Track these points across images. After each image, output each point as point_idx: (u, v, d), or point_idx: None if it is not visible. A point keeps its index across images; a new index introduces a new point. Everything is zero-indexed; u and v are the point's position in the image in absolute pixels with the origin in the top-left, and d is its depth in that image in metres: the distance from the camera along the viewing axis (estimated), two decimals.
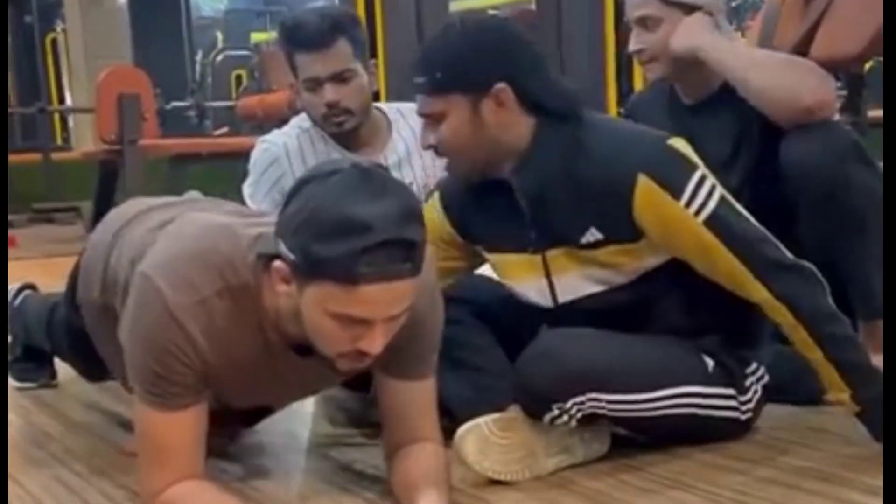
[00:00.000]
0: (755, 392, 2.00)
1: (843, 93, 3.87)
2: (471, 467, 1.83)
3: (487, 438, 1.83)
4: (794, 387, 2.10)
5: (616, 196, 1.82)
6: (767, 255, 1.84)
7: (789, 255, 1.86)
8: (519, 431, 1.85)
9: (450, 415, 1.92)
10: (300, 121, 2.49)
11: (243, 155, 2.69)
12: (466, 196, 2.01)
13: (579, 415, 1.85)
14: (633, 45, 2.29)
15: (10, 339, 2.67)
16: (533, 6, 6.94)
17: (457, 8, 7.94)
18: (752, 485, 1.80)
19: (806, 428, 2.08)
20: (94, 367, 2.17)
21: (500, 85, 1.84)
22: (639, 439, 1.98)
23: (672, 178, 1.82)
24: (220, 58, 11.84)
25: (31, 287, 2.71)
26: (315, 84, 2.35)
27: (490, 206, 1.98)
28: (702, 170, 1.85)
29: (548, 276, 1.95)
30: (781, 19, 2.78)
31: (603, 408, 1.84)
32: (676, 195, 1.81)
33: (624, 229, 1.85)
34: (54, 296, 2.49)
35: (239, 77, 11.11)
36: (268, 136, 2.52)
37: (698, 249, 1.84)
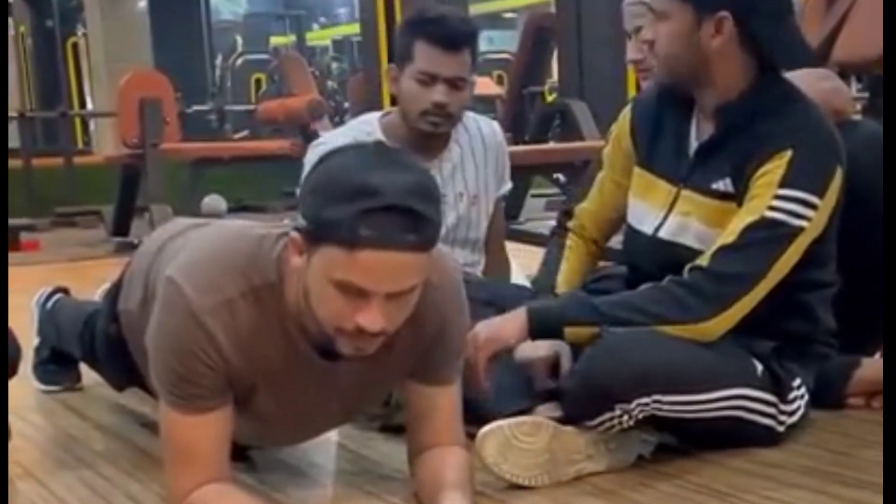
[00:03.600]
0: (798, 407, 2.00)
1: (865, 95, 3.85)
2: (489, 469, 1.83)
3: (509, 441, 1.83)
4: (819, 392, 2.10)
5: (762, 152, 1.90)
6: (724, 254, 1.88)
7: (720, 286, 1.87)
8: (543, 436, 1.85)
9: (473, 416, 1.93)
10: (361, 124, 2.48)
11: (264, 158, 2.69)
12: (650, 113, 2.10)
13: (641, 416, 1.85)
14: (629, 54, 2.21)
15: (37, 341, 2.69)
16: (552, 8, 6.95)
17: (476, 11, 7.95)
18: (778, 489, 1.80)
19: (831, 433, 2.08)
20: (125, 376, 2.19)
21: (724, 13, 1.91)
22: (672, 445, 1.97)
23: (798, 174, 1.88)
24: (239, 62, 11.90)
25: (64, 291, 2.72)
26: (430, 79, 2.34)
27: (664, 129, 2.06)
28: (820, 199, 1.89)
29: (669, 209, 2.02)
30: (803, 22, 2.78)
31: (662, 409, 1.84)
32: (783, 184, 1.87)
33: (743, 188, 1.91)
34: (88, 303, 2.51)
35: (258, 81, 11.17)
36: (323, 138, 2.51)
37: (733, 219, 1.91)
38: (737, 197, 1.93)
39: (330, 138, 2.48)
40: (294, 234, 1.55)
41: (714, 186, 1.96)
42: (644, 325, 1.87)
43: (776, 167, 1.89)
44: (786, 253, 1.89)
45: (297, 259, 1.55)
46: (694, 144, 2.02)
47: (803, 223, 1.89)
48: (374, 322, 1.52)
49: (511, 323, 1.95)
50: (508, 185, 2.61)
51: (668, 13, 1.94)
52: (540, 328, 1.94)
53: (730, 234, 1.90)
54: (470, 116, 2.55)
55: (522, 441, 1.83)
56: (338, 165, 1.52)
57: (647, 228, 2.06)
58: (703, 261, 1.90)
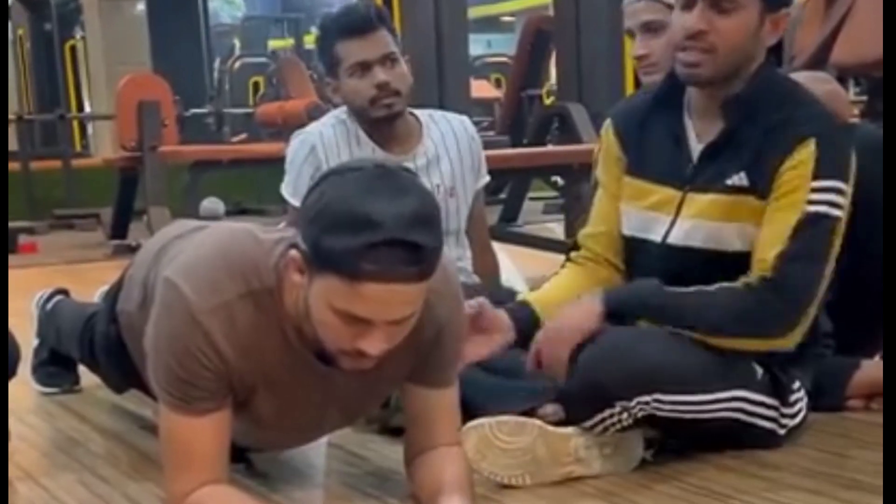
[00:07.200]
0: (799, 409, 2.00)
1: (863, 98, 3.85)
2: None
3: (488, 439, 1.83)
4: (818, 394, 2.10)
5: (780, 143, 1.89)
6: (786, 263, 1.85)
7: (786, 294, 1.87)
8: (526, 437, 1.85)
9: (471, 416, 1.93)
10: (338, 112, 2.53)
11: (262, 162, 2.72)
12: (633, 121, 2.10)
13: (640, 414, 1.84)
14: (638, 50, 2.31)
15: (36, 342, 2.69)
16: (551, 11, 6.94)
17: (474, 14, 7.96)
18: (777, 491, 1.80)
19: (830, 434, 2.08)
20: (124, 378, 2.19)
21: (787, 10, 1.96)
22: (672, 447, 1.97)
23: (827, 163, 1.88)
24: (237, 65, 11.89)
25: (64, 292, 2.72)
26: (362, 68, 2.39)
27: (651, 134, 2.05)
28: (847, 185, 1.90)
29: (676, 215, 1.99)
30: (802, 24, 2.78)
31: (662, 409, 1.84)
32: (817, 176, 1.87)
33: (765, 180, 1.90)
34: (89, 305, 2.51)
35: (256, 84, 11.16)
36: (303, 129, 2.57)
37: (773, 217, 1.89)
38: (753, 190, 1.92)
39: (312, 127, 2.53)
40: (294, 254, 1.54)
41: (729, 182, 1.94)
42: (711, 334, 1.87)
43: (804, 159, 1.88)
44: (833, 245, 1.90)
45: (297, 277, 1.55)
46: (696, 145, 2.00)
47: (840, 212, 1.90)
48: (375, 347, 1.53)
49: (586, 310, 1.92)
50: (486, 178, 2.63)
51: (739, 5, 1.91)
52: (615, 315, 1.91)
53: (779, 239, 1.87)
54: (439, 114, 2.60)
55: (502, 440, 1.83)
56: (337, 191, 1.49)
57: (655, 237, 2.03)
58: (764, 269, 1.88)
